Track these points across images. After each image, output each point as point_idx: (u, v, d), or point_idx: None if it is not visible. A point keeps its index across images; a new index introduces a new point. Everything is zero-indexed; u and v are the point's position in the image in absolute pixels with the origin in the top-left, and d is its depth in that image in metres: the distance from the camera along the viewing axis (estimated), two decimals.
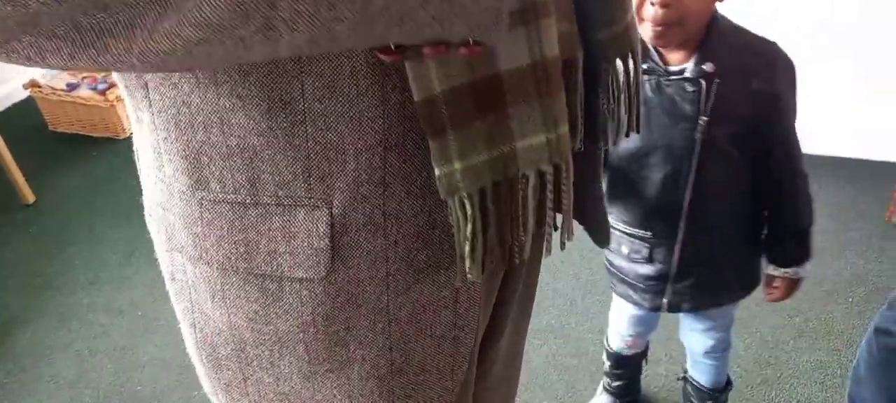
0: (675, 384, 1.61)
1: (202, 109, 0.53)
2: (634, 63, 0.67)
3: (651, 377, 1.68)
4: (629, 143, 1.10)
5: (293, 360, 0.62)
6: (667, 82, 1.08)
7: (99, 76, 2.85)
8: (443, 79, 0.49)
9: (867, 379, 1.38)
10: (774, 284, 1.23)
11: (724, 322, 1.37)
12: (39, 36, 0.38)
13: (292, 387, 0.64)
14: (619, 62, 0.66)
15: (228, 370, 0.66)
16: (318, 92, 0.51)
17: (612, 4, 0.62)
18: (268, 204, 0.55)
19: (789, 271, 1.21)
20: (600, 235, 0.79)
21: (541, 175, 0.55)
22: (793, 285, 1.23)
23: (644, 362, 1.57)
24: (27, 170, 2.51)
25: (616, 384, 1.57)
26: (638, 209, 1.19)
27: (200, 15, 0.37)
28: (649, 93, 1.09)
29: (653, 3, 0.99)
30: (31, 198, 2.48)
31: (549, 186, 0.55)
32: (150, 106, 0.56)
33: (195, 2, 0.37)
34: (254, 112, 0.52)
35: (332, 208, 0.54)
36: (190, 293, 0.64)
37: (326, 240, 0.55)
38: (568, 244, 0.61)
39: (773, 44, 1.10)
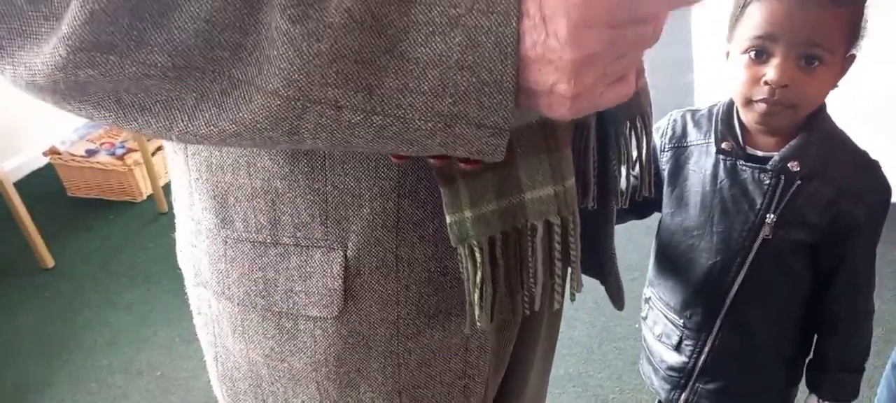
0: None
1: (232, 153, 0.56)
2: (645, 126, 0.68)
3: None
4: (683, 219, 1.03)
5: (306, 399, 0.63)
6: (743, 167, 0.96)
7: (117, 142, 2.90)
8: None
9: None
10: None
11: None
12: (86, 104, 0.43)
13: None
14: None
15: None
16: None
17: None
18: (287, 245, 0.57)
19: None
20: (615, 294, 0.78)
21: (549, 226, 0.55)
22: None
23: None
24: (46, 235, 2.48)
25: None
26: (678, 291, 1.07)
27: (237, 114, 0.41)
28: (721, 173, 0.98)
29: (767, 83, 0.88)
30: (50, 262, 2.45)
31: (558, 238, 0.55)
32: (185, 148, 0.59)
33: (234, 100, 0.41)
34: (278, 157, 0.54)
35: (346, 250, 0.56)
36: (214, 327, 0.66)
37: (340, 281, 0.57)
38: (582, 292, 0.60)
39: (874, 165, 0.97)
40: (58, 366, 2.05)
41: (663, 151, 1.05)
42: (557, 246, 0.56)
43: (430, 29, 0.40)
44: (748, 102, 0.92)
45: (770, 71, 0.88)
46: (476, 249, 0.53)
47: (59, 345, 2.13)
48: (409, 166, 0.54)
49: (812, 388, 1.10)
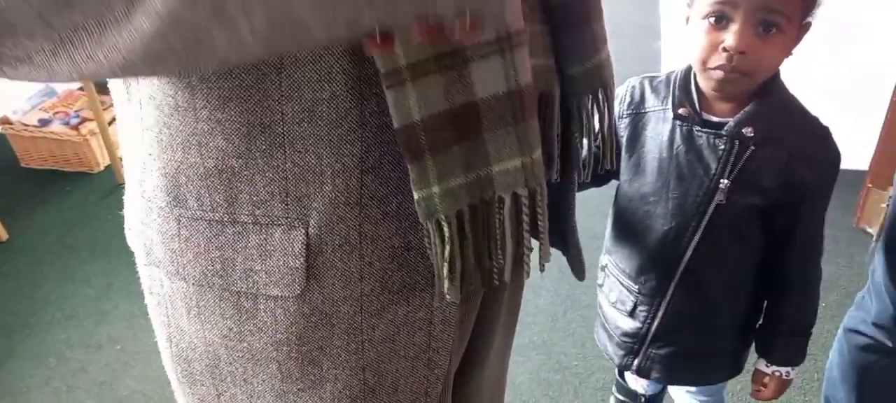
0: None
1: (181, 131, 0.53)
2: (607, 99, 0.68)
3: None
4: (640, 185, 1.04)
5: (266, 378, 0.62)
6: (698, 132, 0.97)
7: (71, 111, 2.82)
8: (422, 107, 0.49)
9: (840, 380, 1.39)
10: (764, 381, 1.12)
11: (714, 390, 1.26)
12: (18, 35, 0.38)
13: None
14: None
15: (202, 385, 0.65)
16: (297, 116, 0.51)
17: (585, 40, 0.63)
18: (245, 223, 0.55)
19: (782, 370, 1.10)
20: (576, 266, 0.79)
21: (516, 198, 0.54)
22: (784, 384, 1.12)
23: None
24: (0, 208, 2.44)
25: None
26: (634, 257, 1.08)
27: (151, 6, 0.35)
28: (677, 139, 0.99)
29: (725, 50, 0.89)
30: (4, 235, 2.37)
31: (525, 209, 0.55)
32: (141, 121, 0.56)
33: None
34: (233, 135, 0.52)
35: (308, 228, 0.54)
36: (167, 307, 0.64)
37: (302, 260, 0.55)
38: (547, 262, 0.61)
39: (826, 131, 0.98)
40: (17, 341, 2.00)
41: (621, 118, 1.05)
42: (526, 218, 0.55)
43: None
44: (706, 68, 0.93)
45: (728, 37, 0.89)
46: (444, 224, 0.53)
47: (18, 320, 2.08)
48: (372, 139, 0.52)
49: (761, 352, 1.13)
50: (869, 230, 2.21)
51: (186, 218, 0.57)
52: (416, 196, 0.52)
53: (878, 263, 1.23)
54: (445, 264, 0.54)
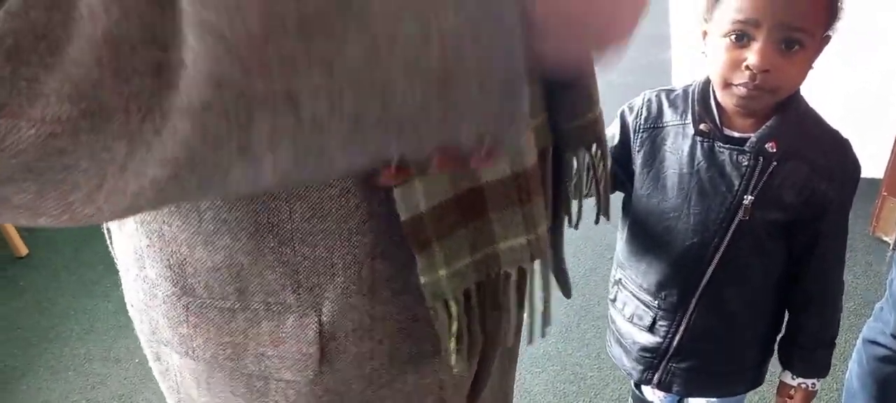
0: None
1: (185, 230, 0.51)
2: (600, 152, 0.68)
3: None
4: (660, 200, 1.02)
5: None
6: (721, 148, 0.96)
7: None
8: (429, 197, 0.49)
9: (860, 391, 1.39)
10: (790, 394, 1.11)
11: (733, 401, 1.26)
12: None
13: None
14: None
15: None
16: (306, 213, 0.50)
17: (579, 98, 0.63)
18: (256, 309, 0.53)
19: (808, 382, 1.09)
20: (564, 287, 0.80)
21: (522, 272, 0.55)
22: (810, 396, 1.11)
23: None
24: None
25: None
26: (652, 272, 1.06)
27: (165, 150, 0.30)
28: (698, 155, 0.98)
29: (748, 68, 0.88)
30: (23, 250, 2.40)
31: (529, 278, 0.56)
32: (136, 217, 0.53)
33: (160, 138, 0.30)
34: (241, 234, 0.50)
35: (321, 315, 0.53)
36: (176, 376, 0.63)
37: (316, 347, 0.54)
38: None
39: (846, 144, 0.98)
40: (35, 355, 2.02)
41: (637, 132, 1.04)
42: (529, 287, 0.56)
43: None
44: (727, 85, 0.92)
45: (751, 56, 0.87)
46: (451, 303, 0.53)
47: (36, 334, 2.09)
48: (381, 229, 0.52)
49: (785, 365, 1.12)
50: (885, 239, 2.19)
51: (195, 306, 0.55)
52: (422, 280, 0.51)
53: (895, 274, 1.22)
54: (453, 339, 0.54)
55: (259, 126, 0.30)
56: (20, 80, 0.27)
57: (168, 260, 0.53)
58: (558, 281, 0.80)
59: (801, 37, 0.87)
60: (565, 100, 0.63)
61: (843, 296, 1.10)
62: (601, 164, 0.68)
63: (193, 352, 0.57)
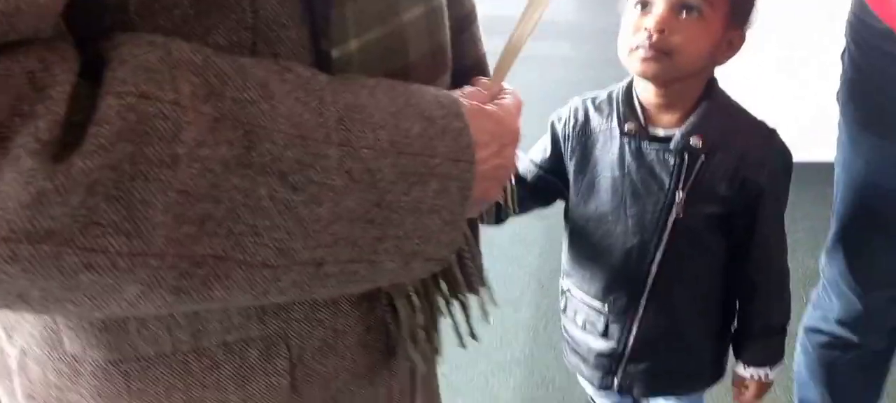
0: None
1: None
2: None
3: None
4: (596, 206, 1.03)
5: None
6: (647, 148, 0.98)
7: None
8: None
9: (809, 379, 1.39)
10: (745, 384, 1.12)
11: (694, 397, 1.24)
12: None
13: None
14: None
15: None
16: None
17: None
18: (214, 352, 0.49)
19: (761, 372, 1.09)
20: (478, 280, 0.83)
21: (460, 257, 0.59)
22: (764, 386, 1.11)
23: None
24: None
25: None
26: (598, 278, 1.07)
27: (206, 293, 0.38)
28: (627, 156, 0.99)
29: (646, 29, 0.92)
30: None
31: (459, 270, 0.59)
32: None
33: (199, 281, 0.38)
34: None
35: (289, 340, 0.51)
36: None
37: (286, 377, 0.51)
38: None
39: (773, 132, 1.01)
40: None
41: (567, 140, 1.06)
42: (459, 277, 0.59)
43: (415, 178, 0.43)
44: (631, 51, 0.95)
45: (649, 19, 0.93)
46: (412, 295, 0.55)
47: None
48: None
49: (738, 355, 1.12)
50: None
51: (137, 369, 0.49)
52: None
53: (834, 260, 1.24)
54: (420, 331, 0.57)
55: (287, 278, 0.42)
56: (83, 207, 0.33)
57: (103, 323, 0.47)
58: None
59: (699, 3, 0.92)
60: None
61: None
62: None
63: None
